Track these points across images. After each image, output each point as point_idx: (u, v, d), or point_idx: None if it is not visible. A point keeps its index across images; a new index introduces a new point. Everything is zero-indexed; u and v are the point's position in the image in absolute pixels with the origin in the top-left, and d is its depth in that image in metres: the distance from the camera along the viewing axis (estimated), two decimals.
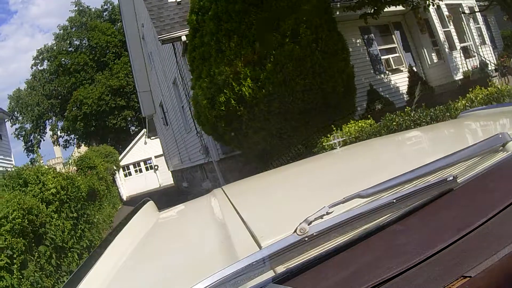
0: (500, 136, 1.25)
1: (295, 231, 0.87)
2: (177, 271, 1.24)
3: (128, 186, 33.70)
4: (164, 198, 19.31)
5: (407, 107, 6.57)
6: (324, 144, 7.12)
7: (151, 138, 27.76)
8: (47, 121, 46.06)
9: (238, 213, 1.52)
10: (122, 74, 39.88)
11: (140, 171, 36.68)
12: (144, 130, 31.35)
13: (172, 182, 26.46)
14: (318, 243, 0.89)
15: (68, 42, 43.88)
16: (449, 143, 2.07)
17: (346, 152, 2.73)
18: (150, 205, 2.10)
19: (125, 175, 35.34)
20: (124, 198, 27.94)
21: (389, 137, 3.86)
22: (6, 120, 22.05)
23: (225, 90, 8.70)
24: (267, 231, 1.20)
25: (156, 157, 34.46)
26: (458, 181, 1.08)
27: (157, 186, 34.39)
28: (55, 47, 43.86)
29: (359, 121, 7.38)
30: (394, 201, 0.96)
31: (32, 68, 45.05)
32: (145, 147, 34.80)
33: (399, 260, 0.79)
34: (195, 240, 1.56)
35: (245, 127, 8.95)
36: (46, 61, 44.36)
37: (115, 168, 25.06)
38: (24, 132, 45.10)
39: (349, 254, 0.89)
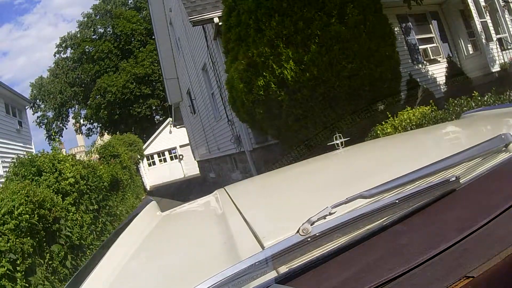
0: (503, 136, 1.26)
1: (298, 231, 0.87)
2: (180, 271, 1.24)
3: (152, 175, 33.89)
4: (193, 189, 18.90)
5: (475, 92, 5.91)
6: (378, 132, 6.53)
7: (177, 127, 27.19)
8: (70, 109, 46.15)
9: (241, 213, 1.52)
10: (148, 62, 39.58)
11: (165, 160, 36.52)
12: (169, 119, 30.99)
13: (198, 172, 26.09)
14: (321, 243, 0.89)
15: (92, 29, 43.81)
16: (452, 143, 2.15)
17: (349, 152, 2.69)
18: (152, 206, 2.13)
19: (149, 165, 35.42)
20: (148, 187, 27.92)
21: (391, 138, 4.12)
22: (27, 107, 21.84)
23: (264, 73, 8.05)
24: (270, 231, 1.18)
25: (181, 146, 34.24)
26: (460, 181, 1.08)
27: (181, 176, 34.13)
28: (78, 35, 43.88)
29: (420, 107, 6.75)
30: (397, 201, 0.97)
31: (55, 56, 45.10)
32: (170, 136, 34.73)
33: (402, 260, 0.79)
34: (198, 240, 1.55)
35: (285, 114, 8.32)
36: (69, 48, 44.37)
37: (139, 157, 24.88)
38: (46, 120, 45.06)
39: (352, 255, 0.89)
